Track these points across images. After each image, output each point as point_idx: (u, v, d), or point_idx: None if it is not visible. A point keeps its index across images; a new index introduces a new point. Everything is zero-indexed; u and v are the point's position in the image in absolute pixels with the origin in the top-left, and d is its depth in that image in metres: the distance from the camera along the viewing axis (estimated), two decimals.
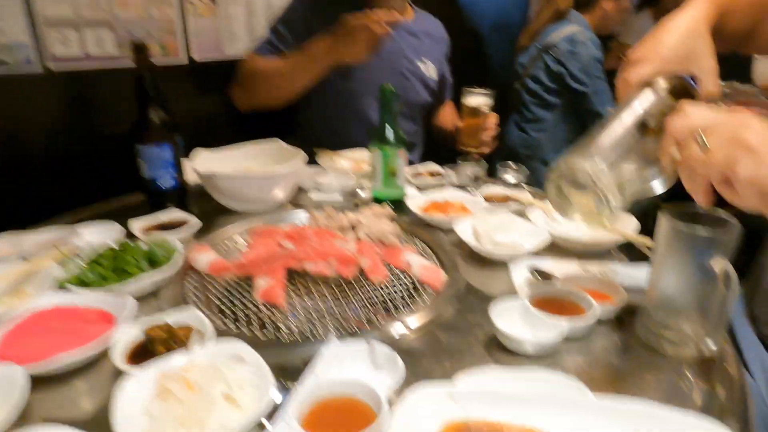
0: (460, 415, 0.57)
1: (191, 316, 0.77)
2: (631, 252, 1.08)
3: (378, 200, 1.32)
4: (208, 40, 1.70)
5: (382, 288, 0.93)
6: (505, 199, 1.27)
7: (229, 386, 0.62)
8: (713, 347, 0.72)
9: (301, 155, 1.30)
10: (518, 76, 2.37)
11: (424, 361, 0.75)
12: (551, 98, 2.23)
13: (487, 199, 1.27)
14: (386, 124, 1.25)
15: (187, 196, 1.29)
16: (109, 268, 0.87)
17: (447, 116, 1.96)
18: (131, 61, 1.15)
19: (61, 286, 0.84)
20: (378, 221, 1.09)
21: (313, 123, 1.74)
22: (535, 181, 1.48)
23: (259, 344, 0.73)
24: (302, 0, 1.62)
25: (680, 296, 0.74)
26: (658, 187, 0.72)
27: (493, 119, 1.55)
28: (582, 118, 2.21)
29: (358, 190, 1.40)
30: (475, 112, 1.50)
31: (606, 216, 0.73)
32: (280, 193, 1.27)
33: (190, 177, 1.30)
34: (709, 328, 0.72)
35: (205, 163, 1.23)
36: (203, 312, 0.78)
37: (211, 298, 0.90)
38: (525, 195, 1.26)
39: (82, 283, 0.84)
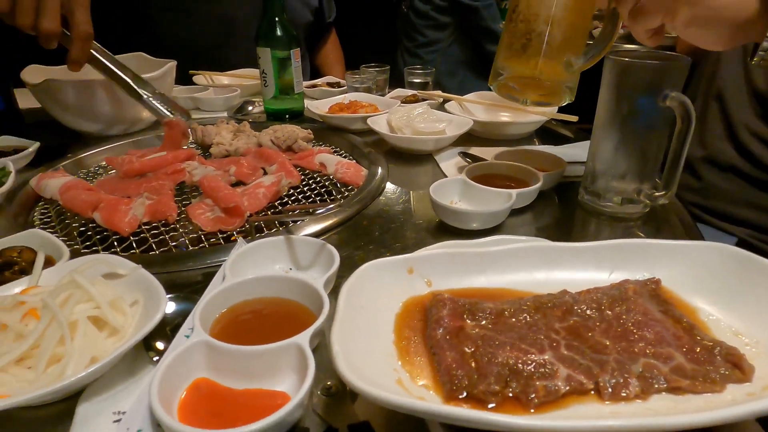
0: (424, 289, 0.44)
1: (32, 237, 0.56)
2: (550, 139, 1.03)
3: (272, 114, 1.13)
4: None
5: (296, 191, 0.77)
6: (416, 98, 1.15)
7: (98, 306, 0.43)
8: (664, 200, 0.67)
9: (169, 63, 1.07)
10: None
11: (358, 254, 0.61)
12: (442, 17, 2.14)
13: (396, 99, 1.14)
14: (273, 18, 1.05)
15: (23, 125, 1.00)
16: None
17: (330, 57, 1.79)
18: None
19: None
20: (284, 127, 0.90)
21: (183, 49, 1.47)
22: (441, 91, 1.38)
23: (142, 261, 0.53)
24: None
25: (623, 155, 0.67)
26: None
27: None
28: (474, 36, 2.15)
29: (247, 107, 1.20)
30: None
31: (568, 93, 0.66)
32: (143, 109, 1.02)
33: (26, 103, 1.02)
34: (658, 179, 0.67)
35: (40, 76, 0.95)
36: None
37: (70, 224, 0.68)
38: (436, 93, 1.15)
39: None
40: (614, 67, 0.65)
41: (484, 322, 0.40)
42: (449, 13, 2.13)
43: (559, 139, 1.02)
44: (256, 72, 1.36)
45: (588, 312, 0.40)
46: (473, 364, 0.35)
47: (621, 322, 0.38)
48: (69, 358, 0.39)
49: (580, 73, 0.67)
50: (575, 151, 0.86)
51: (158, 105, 0.90)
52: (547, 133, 1.06)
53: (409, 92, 1.20)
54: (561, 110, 1.01)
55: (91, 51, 0.83)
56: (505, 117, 1.04)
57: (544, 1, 0.62)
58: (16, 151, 0.86)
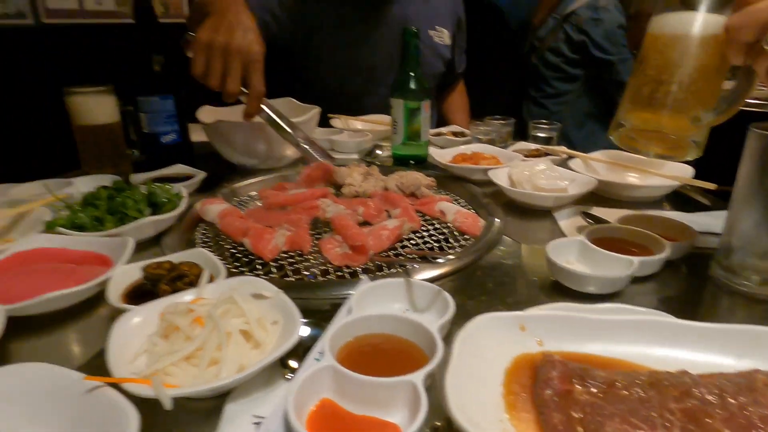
0: (534, 347, 0.46)
1: (199, 255, 0.67)
2: (682, 204, 0.98)
3: (398, 159, 1.21)
4: None
5: (415, 236, 0.82)
6: (539, 153, 1.16)
7: (247, 321, 0.51)
8: None
9: (315, 110, 1.20)
10: (534, 49, 2.27)
11: (470, 304, 0.64)
12: (573, 70, 2.13)
13: (519, 152, 1.16)
14: (409, 73, 1.14)
15: (193, 155, 1.18)
16: (104, 210, 0.76)
17: (456, 105, 1.86)
18: (129, 17, 1.05)
19: (50, 229, 0.74)
20: (409, 174, 0.97)
21: (325, 93, 1.64)
22: (566, 143, 1.38)
23: (281, 285, 0.62)
24: None
25: (766, 231, 0.63)
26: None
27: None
28: (606, 89, 2.10)
29: (376, 150, 1.29)
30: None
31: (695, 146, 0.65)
32: (290, 149, 1.16)
33: (196, 137, 1.21)
34: None
35: (212, 116, 1.13)
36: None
37: (223, 246, 0.79)
38: (561, 148, 1.16)
39: (75, 226, 0.74)
40: (759, 139, 0.62)
41: (594, 390, 0.40)
42: (581, 66, 2.11)
43: (694, 206, 0.96)
44: (386, 118, 1.47)
45: (708, 397, 0.39)
46: (580, 430, 0.36)
47: (745, 413, 0.37)
48: (224, 362, 0.46)
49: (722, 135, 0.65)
50: (709, 221, 0.81)
51: (310, 150, 1.07)
52: (679, 198, 1.00)
53: (533, 146, 1.21)
54: (698, 176, 0.97)
55: (265, 105, 1.00)
56: (632, 178, 1.02)
57: (674, 53, 0.62)
58: (186, 178, 1.02)
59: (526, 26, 2.38)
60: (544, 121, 1.29)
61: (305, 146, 1.07)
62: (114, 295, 0.59)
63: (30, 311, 0.57)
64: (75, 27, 1.35)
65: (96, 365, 0.52)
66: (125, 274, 0.63)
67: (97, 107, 1.05)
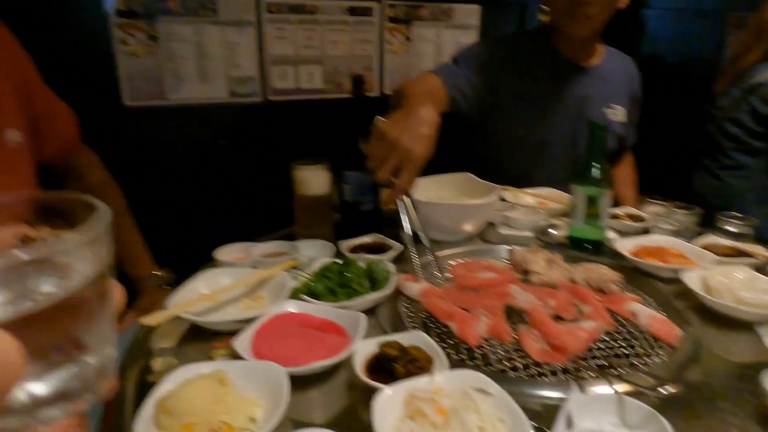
0: None
1: (421, 340, 0.77)
2: None
3: (574, 241, 1.25)
4: (400, 76, 1.79)
5: (607, 338, 0.85)
6: (732, 252, 1.11)
7: (482, 419, 0.59)
8: None
9: (495, 189, 1.29)
10: (712, 118, 2.14)
11: (680, 426, 0.65)
12: (756, 143, 1.97)
13: (708, 249, 1.13)
14: (593, 162, 1.18)
15: (383, 221, 1.34)
16: (335, 282, 0.91)
17: (624, 178, 1.84)
18: (335, 93, 1.25)
19: (295, 295, 0.91)
20: (596, 267, 1.01)
21: (493, 164, 1.73)
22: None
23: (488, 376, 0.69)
24: (487, 42, 1.68)
25: None
26: None
27: None
28: None
29: (549, 229, 1.34)
30: None
31: None
32: (471, 225, 1.26)
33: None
34: None
35: None
36: None
37: (429, 325, 0.90)
38: (758, 249, 1.10)
39: (311, 293, 0.90)
40: None
41: None
42: (764, 139, 1.95)
43: None
44: (557, 193, 1.52)
45: None
46: None
47: None
48: None
49: None
50: None
51: (416, 262, 1.04)
52: None
53: (724, 242, 1.17)
54: None
55: (403, 200, 1.07)
56: None
57: None
58: (382, 247, 1.16)
59: (702, 93, 2.26)
60: (736, 214, 1.23)
61: (409, 246, 1.06)
62: (358, 367, 0.71)
63: (301, 373, 0.71)
64: (292, 102, 1.63)
65: (341, 428, 0.63)
66: (364, 347, 0.76)
67: (315, 181, 1.25)
